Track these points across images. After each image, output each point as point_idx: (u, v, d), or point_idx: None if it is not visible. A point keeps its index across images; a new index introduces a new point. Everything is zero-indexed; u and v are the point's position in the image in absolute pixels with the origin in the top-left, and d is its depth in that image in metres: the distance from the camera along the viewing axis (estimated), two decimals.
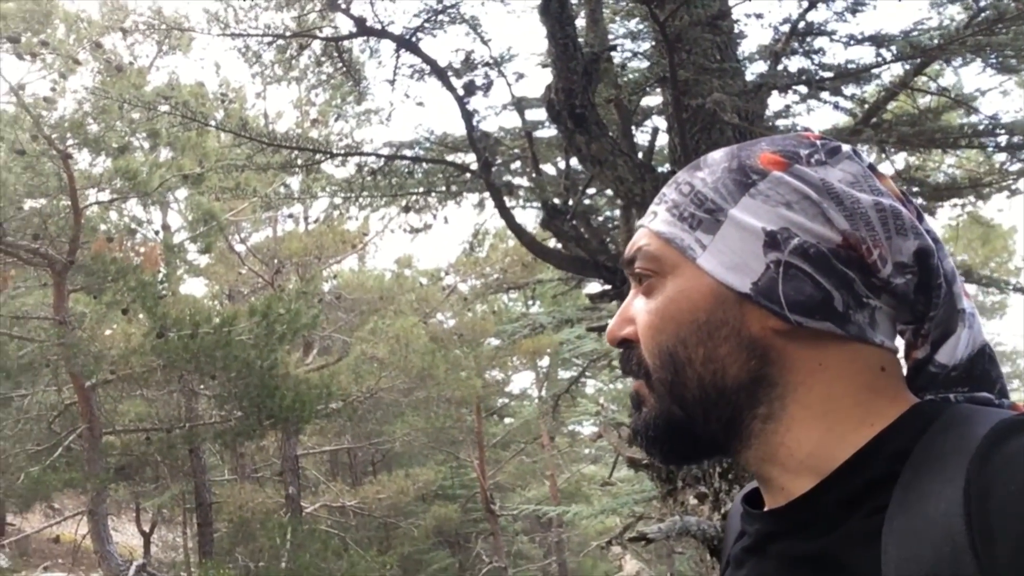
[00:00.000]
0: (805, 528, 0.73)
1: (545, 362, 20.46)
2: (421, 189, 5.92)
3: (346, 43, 5.26)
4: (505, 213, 5.09)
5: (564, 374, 19.53)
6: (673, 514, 5.62)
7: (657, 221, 0.81)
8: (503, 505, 19.36)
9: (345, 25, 5.36)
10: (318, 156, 5.71)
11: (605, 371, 16.59)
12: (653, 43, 5.08)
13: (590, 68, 4.82)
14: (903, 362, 0.79)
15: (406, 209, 6.14)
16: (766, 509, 0.80)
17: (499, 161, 5.19)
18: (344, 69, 5.44)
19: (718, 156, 0.81)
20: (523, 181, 6.01)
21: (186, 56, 14.02)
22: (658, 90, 5.56)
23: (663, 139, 6.58)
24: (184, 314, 10.61)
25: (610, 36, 5.33)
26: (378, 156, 5.48)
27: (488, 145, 4.97)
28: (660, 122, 6.60)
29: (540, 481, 19.65)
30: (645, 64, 5.44)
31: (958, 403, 0.73)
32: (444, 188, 5.66)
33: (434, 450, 19.75)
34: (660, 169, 5.01)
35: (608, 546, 6.25)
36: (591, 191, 6.60)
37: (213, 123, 6.68)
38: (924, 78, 5.30)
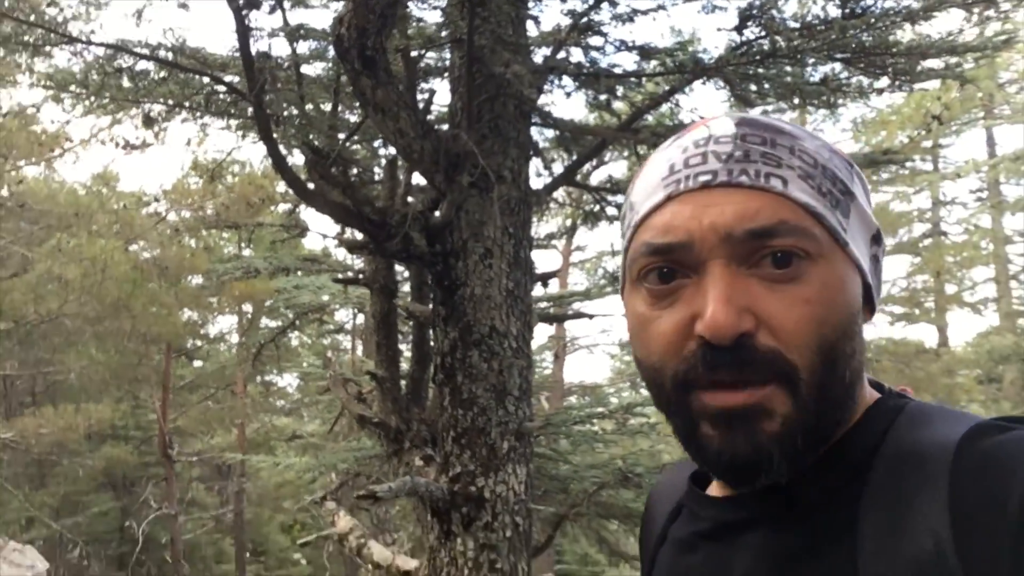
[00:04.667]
0: (778, 518, 0.71)
1: (249, 308, 19.50)
2: (171, 102, 5.32)
3: None
4: (271, 145, 4.72)
5: (267, 323, 18.76)
6: (398, 474, 5.61)
7: (794, 189, 0.68)
8: (181, 450, 18.32)
9: None
10: (53, 37, 4.92)
11: (314, 324, 16.19)
12: (451, 3, 4.97)
13: (387, 11, 4.61)
14: None
15: (147, 121, 5.49)
16: (728, 495, 0.77)
17: (273, 89, 4.80)
18: None
19: (791, 126, 0.73)
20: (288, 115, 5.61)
21: None
22: (445, 51, 5.49)
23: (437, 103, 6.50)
24: None
25: None
26: (130, 53, 4.81)
27: (267, 67, 4.57)
28: (436, 84, 6.51)
29: (227, 429, 18.78)
30: (438, 21, 5.31)
31: (908, 399, 0.75)
32: (203, 105, 5.14)
33: (110, 386, 18.09)
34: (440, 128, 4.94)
35: (322, 501, 6.11)
36: (355, 142, 6.35)
37: None
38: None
